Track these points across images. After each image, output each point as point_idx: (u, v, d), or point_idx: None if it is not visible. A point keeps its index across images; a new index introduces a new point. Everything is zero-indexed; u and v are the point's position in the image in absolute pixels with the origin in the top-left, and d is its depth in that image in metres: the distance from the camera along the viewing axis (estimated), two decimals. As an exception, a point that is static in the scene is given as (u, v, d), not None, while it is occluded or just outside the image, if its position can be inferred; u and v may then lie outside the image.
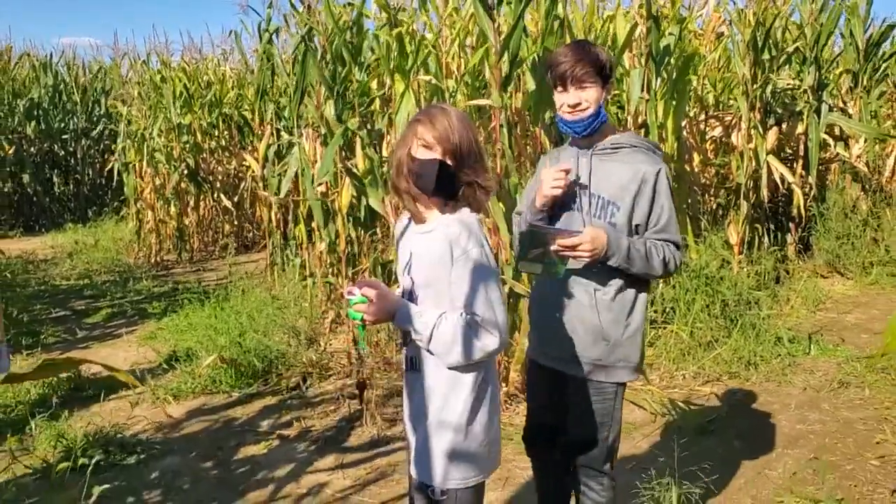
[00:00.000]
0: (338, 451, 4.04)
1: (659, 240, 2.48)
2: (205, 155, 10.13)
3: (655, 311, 5.26)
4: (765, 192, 6.63)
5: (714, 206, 7.36)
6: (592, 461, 2.63)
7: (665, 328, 5.19)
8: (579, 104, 2.45)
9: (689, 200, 6.40)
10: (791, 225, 7.36)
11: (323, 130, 5.55)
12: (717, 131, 7.57)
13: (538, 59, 4.47)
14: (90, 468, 3.45)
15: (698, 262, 5.51)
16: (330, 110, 5.40)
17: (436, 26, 5.14)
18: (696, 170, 7.00)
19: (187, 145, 9.60)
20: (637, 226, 2.49)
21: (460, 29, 4.97)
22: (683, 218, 5.84)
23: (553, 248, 2.37)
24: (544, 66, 2.40)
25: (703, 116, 7.54)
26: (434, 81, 4.90)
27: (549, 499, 2.89)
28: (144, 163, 9.60)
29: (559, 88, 2.48)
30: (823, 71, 7.18)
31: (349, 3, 5.80)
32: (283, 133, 7.50)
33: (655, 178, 2.45)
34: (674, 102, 5.71)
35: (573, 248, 2.36)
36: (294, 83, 5.92)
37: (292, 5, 6.08)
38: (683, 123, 6.30)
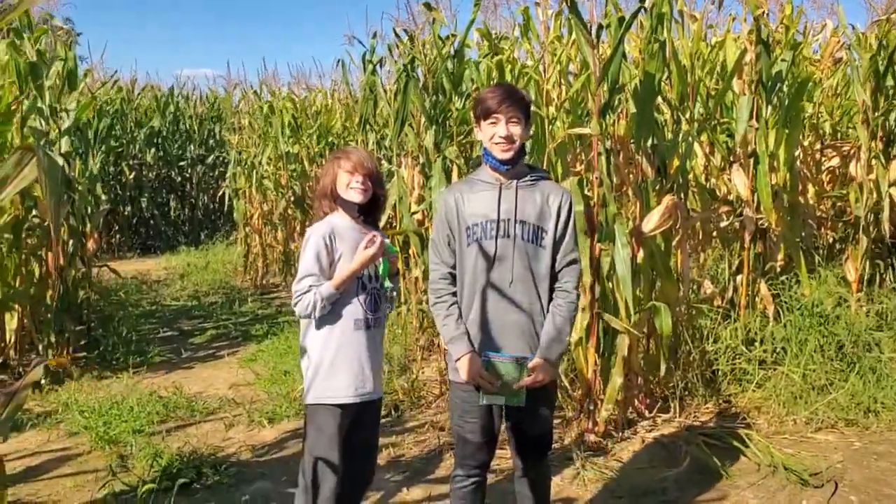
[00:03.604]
0: (426, 483, 3.98)
1: (569, 262, 2.77)
2: (311, 182, 10.39)
3: (765, 351, 4.97)
4: (886, 227, 6.19)
5: (830, 241, 6.95)
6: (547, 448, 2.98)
7: (775, 369, 4.89)
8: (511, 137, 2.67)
9: (804, 234, 6.07)
10: (917, 262, 6.86)
11: (421, 159, 5.59)
12: (835, 161, 7.15)
13: (640, 84, 4.35)
14: (177, 488, 3.51)
15: (811, 300, 5.19)
16: (429, 139, 5.43)
17: (537, 53, 5.09)
18: (810, 202, 6.64)
19: (294, 173, 9.87)
20: (556, 244, 2.77)
21: (561, 55, 4.90)
22: (797, 252, 5.53)
23: (515, 386, 2.67)
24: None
25: (818, 146, 7.16)
26: (534, 109, 4.84)
27: None
28: (253, 189, 9.94)
29: (490, 121, 2.70)
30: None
31: (452, 34, 5.83)
32: (383, 161, 7.60)
33: (569, 204, 2.77)
34: (786, 131, 5.44)
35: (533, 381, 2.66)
36: (395, 112, 5.99)
37: (396, 35, 6.18)
38: (797, 153, 5.99)
